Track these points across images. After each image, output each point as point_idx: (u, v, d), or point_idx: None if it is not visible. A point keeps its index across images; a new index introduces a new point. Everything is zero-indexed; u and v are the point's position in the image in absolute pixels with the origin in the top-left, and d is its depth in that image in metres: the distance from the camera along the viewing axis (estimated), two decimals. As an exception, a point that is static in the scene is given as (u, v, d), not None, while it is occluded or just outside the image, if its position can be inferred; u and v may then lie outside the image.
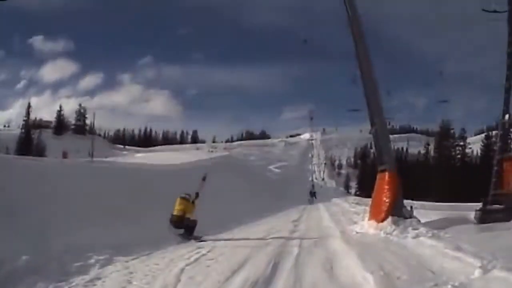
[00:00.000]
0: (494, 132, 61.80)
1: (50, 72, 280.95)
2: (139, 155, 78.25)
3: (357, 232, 11.95)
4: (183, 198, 12.96)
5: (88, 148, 57.82)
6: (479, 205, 17.66)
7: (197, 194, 13.47)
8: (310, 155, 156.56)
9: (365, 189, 73.15)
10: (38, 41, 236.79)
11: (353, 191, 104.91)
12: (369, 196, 38.40)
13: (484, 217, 14.69)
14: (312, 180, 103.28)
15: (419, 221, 11.82)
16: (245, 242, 11.44)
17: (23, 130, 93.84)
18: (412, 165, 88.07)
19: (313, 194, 61.95)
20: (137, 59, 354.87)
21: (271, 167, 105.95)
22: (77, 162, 27.58)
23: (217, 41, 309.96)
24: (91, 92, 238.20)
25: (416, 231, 10.60)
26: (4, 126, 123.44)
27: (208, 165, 43.07)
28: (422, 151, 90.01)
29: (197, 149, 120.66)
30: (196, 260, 8.69)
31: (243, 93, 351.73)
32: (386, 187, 12.52)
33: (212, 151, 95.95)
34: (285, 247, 9.86)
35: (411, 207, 12.61)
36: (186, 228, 12.56)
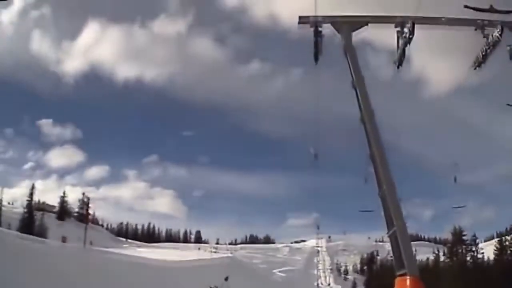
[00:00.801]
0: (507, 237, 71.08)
1: (57, 157, 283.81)
2: (141, 249, 77.53)
3: None
4: None
5: (89, 236, 57.55)
6: None
7: None
8: (315, 260, 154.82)
9: None
10: (46, 125, 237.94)
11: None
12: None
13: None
14: (318, 285, 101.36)
15: None
16: None
17: (26, 210, 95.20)
18: (423, 270, 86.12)
19: None
20: (143, 157, 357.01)
21: (275, 271, 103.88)
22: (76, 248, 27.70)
23: (222, 144, 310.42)
24: (96, 183, 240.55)
25: None
26: (8, 203, 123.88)
27: (211, 264, 42.02)
28: (431, 257, 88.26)
29: (199, 248, 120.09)
30: None
31: (248, 197, 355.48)
32: None
33: (215, 251, 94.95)
34: None
35: None
36: None
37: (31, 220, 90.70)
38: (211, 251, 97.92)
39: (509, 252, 66.37)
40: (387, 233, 11.87)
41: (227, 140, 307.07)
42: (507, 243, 68.25)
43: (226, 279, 13.95)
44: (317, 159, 25.50)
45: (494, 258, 70.41)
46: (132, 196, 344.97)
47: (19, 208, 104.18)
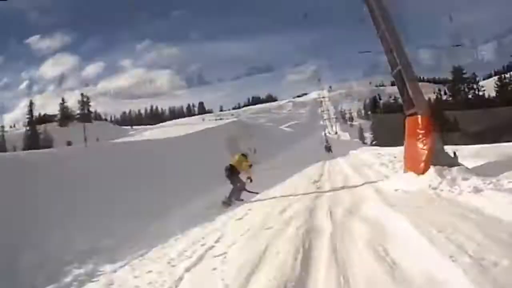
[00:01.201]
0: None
1: (51, 68, 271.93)
2: (147, 132, 77.10)
3: (396, 190, 10.01)
4: (242, 155, 15.31)
5: (95, 134, 57.10)
6: None
7: (250, 165, 15.16)
8: (319, 111, 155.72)
9: (380, 138, 72.44)
10: (34, 41, 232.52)
11: (368, 141, 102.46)
12: (387, 145, 36.61)
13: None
14: (325, 135, 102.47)
15: (467, 169, 9.84)
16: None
17: (28, 128, 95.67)
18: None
19: (328, 148, 60.03)
20: (136, 44, 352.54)
21: (282, 127, 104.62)
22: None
23: (213, 18, 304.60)
24: (94, 81, 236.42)
25: (468, 181, 8.68)
26: (11, 127, 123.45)
27: (216, 131, 41.95)
28: (433, 97, 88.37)
29: (203, 119, 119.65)
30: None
31: (246, 62, 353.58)
32: (421, 132, 10.72)
33: (220, 119, 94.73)
34: (312, 223, 8.02)
35: (455, 152, 10.57)
36: (233, 189, 14.37)
37: (35, 135, 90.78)
38: (216, 119, 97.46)
39: (509, 88, 68.66)
40: (391, 72, 11.91)
41: (216, 13, 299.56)
42: (506, 80, 71.42)
43: (255, 151, 13.89)
44: (306, 17, 25.01)
45: (496, 94, 72.23)
46: (131, 84, 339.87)
47: (22, 129, 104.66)
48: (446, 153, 10.53)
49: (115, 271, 7.88)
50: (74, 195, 13.58)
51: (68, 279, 7.87)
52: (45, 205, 12.22)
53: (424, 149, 10.45)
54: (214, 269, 6.27)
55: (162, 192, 16.58)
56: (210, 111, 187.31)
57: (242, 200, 14.19)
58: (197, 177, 21.59)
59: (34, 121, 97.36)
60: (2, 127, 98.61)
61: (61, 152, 24.23)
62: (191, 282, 6.07)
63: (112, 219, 12.11)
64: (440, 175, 9.43)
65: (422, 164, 10.20)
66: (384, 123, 77.24)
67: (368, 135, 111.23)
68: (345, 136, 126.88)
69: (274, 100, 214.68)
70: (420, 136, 10.68)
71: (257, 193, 14.84)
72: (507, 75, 72.89)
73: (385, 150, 31.18)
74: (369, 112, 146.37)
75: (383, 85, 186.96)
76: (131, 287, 6.70)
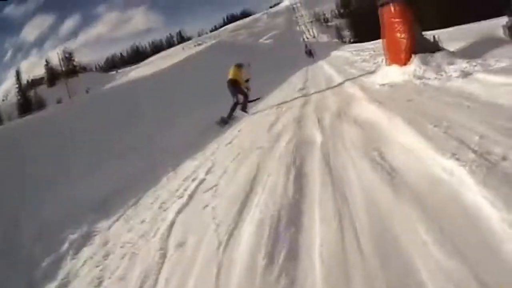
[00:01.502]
0: None
1: (31, 32, 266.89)
2: (132, 73, 76.09)
3: (381, 85, 9.48)
4: (236, 65, 14.31)
5: (84, 85, 56.39)
6: (497, 20, 15.23)
7: (247, 80, 14.50)
8: (294, 18, 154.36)
9: (359, 34, 71.56)
10: (11, 10, 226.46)
11: (347, 40, 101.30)
12: (366, 40, 35.98)
13: (515, 31, 12.04)
14: (304, 40, 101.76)
15: (451, 52, 9.31)
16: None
17: (19, 97, 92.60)
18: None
19: (309, 52, 58.28)
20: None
21: (261, 40, 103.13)
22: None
23: None
24: (73, 35, 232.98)
25: (454, 66, 8.22)
26: (3, 100, 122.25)
27: (196, 56, 41.19)
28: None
29: (183, 48, 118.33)
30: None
31: None
32: (397, 20, 9.99)
33: (200, 44, 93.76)
34: (301, 136, 7.57)
35: (434, 37, 9.95)
36: (235, 104, 13.85)
37: (27, 102, 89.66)
38: (195, 45, 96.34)
39: None
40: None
41: None
42: None
43: (249, 64, 13.35)
44: None
45: None
46: (110, 28, 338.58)
47: (14, 99, 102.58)
48: (426, 38, 9.94)
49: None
50: (68, 151, 13.08)
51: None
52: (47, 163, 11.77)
53: (403, 38, 9.78)
54: (205, 206, 5.81)
55: (155, 125, 16.04)
56: (189, 38, 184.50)
57: (247, 113, 13.71)
58: (184, 107, 21.11)
59: (23, 88, 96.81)
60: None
61: (45, 113, 23.56)
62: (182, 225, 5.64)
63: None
64: (424, 62, 8.94)
65: (403, 54, 9.60)
66: (360, 18, 76.21)
67: (346, 34, 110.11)
68: (323, 38, 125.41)
69: (250, 14, 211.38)
70: (397, 25, 9.99)
71: (258, 98, 15.25)
72: None
73: (364, 45, 30.53)
74: (342, 10, 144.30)
75: None
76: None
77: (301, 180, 5.16)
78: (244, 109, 13.85)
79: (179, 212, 6.14)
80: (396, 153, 4.87)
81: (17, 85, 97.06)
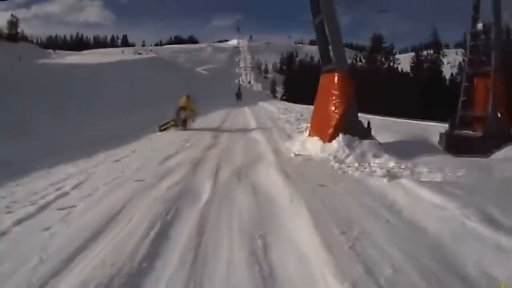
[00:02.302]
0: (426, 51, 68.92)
1: None
2: (69, 57, 73.60)
3: (296, 155, 8.32)
4: (188, 96, 15.95)
5: (18, 53, 53.75)
6: (432, 125, 14.68)
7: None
8: (237, 59, 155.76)
9: (291, 94, 72.17)
10: None
11: (279, 95, 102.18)
12: (296, 102, 35.53)
13: (453, 144, 11.17)
14: (239, 82, 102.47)
15: (379, 143, 8.26)
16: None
17: None
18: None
19: (239, 95, 59.12)
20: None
21: (198, 69, 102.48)
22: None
23: None
24: (27, 4, 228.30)
25: (380, 160, 7.29)
26: None
27: (134, 63, 39.95)
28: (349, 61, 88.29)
29: (122, 52, 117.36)
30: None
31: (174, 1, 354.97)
32: (336, 92, 8.78)
33: (139, 54, 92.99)
34: (190, 183, 6.42)
35: (369, 122, 8.89)
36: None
37: None
38: (134, 53, 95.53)
39: (424, 66, 65.79)
40: (313, 20, 9.90)
41: None
42: (423, 57, 67.53)
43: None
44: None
45: (411, 70, 69.74)
46: (63, 10, 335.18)
47: None
48: (360, 121, 8.81)
49: None
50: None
51: None
52: None
53: (335, 112, 8.60)
54: (47, 228, 4.62)
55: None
56: (133, 45, 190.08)
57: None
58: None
59: None
60: None
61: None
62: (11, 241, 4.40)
63: None
64: (348, 146, 7.91)
65: (331, 130, 8.43)
66: (297, 79, 76.96)
67: (279, 89, 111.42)
68: (258, 87, 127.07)
69: (196, 42, 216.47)
70: (334, 97, 8.77)
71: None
72: (425, 53, 70.87)
73: (293, 107, 29.90)
74: (284, 67, 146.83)
75: (302, 43, 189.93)
76: None
77: (160, 243, 4.06)
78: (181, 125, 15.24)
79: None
80: (283, 253, 3.74)
81: None
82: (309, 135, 9.37)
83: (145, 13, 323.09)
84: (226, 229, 4.32)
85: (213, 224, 4.47)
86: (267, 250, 3.76)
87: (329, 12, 9.05)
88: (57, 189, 6.52)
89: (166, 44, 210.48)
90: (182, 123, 15.27)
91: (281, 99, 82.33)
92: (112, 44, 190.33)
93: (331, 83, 8.92)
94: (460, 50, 74.04)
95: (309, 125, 10.13)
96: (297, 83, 74.80)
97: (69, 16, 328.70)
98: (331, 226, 4.06)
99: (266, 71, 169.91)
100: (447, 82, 66.35)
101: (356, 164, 7.07)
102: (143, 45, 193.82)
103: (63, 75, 22.93)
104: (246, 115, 23.46)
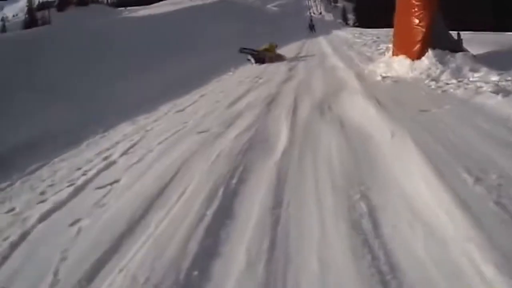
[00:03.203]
0: None
1: None
2: (141, 11, 74.35)
3: (383, 77, 7.17)
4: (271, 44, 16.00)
5: (91, 14, 54.77)
6: None
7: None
8: None
9: (363, 20, 69.77)
10: None
11: (351, 23, 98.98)
12: (368, 27, 33.81)
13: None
14: (310, 13, 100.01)
15: (474, 56, 6.91)
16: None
17: (27, 15, 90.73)
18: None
19: (312, 27, 57.79)
20: None
21: (269, 6, 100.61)
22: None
23: None
24: None
25: (480, 75, 5.97)
26: (14, 16, 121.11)
27: (203, 6, 39.35)
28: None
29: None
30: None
31: None
32: (417, 3, 7.38)
33: None
34: (262, 127, 5.34)
35: (459, 34, 7.55)
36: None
37: (33, 19, 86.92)
38: None
39: None
40: None
41: None
42: None
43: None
44: None
45: None
46: None
47: (23, 17, 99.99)
48: (449, 33, 7.51)
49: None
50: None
51: None
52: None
53: (420, 25, 7.24)
54: (75, 222, 3.55)
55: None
56: None
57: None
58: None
59: (34, 8, 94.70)
60: (3, 17, 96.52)
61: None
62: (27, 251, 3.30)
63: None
64: (441, 61, 6.66)
65: (418, 46, 7.15)
66: (368, 4, 74.25)
67: (351, 17, 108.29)
68: (329, 16, 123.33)
69: None
70: (416, 8, 7.36)
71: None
72: None
73: (368, 31, 28.08)
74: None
75: None
76: None
77: (214, 239, 2.72)
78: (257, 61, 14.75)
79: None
80: (399, 225, 2.47)
81: (27, 4, 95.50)
82: (393, 54, 8.13)
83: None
84: (312, 193, 3.14)
85: (293, 186, 3.33)
86: (374, 219, 2.58)
87: None
88: (104, 159, 5.54)
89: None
90: (261, 60, 14.76)
91: (354, 25, 79.81)
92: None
93: (411, -9, 7.65)
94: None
95: (390, 45, 8.95)
96: (368, 8, 72.16)
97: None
98: (456, 170, 2.89)
99: (336, 0, 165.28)
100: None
101: (455, 81, 5.91)
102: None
103: (131, 27, 22.85)
104: (321, 44, 22.00)
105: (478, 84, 5.42)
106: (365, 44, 15.45)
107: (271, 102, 6.88)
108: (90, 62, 14.91)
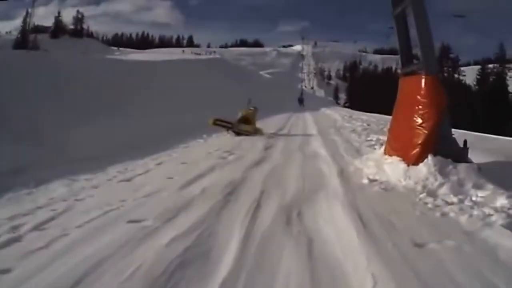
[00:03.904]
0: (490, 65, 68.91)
1: None
2: (132, 55, 75.29)
3: (370, 180, 6.14)
4: (254, 108, 15.51)
5: (82, 48, 55.54)
6: None
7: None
8: (300, 65, 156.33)
9: (355, 101, 71.26)
10: None
11: (341, 102, 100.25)
12: (359, 109, 33.80)
13: None
14: (302, 87, 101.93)
15: (479, 168, 5.80)
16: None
17: (19, 35, 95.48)
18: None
19: (301, 100, 59.01)
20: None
21: (262, 72, 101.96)
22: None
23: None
24: (96, 1, 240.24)
25: (483, 193, 5.03)
26: (6, 32, 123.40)
27: (195, 63, 39.32)
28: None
29: (183, 51, 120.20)
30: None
31: (243, 4, 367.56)
32: (423, 100, 6.42)
33: (197, 54, 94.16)
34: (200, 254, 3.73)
35: (465, 141, 6.55)
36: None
37: (25, 40, 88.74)
38: (196, 54, 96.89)
39: (490, 79, 64.92)
40: (393, 10, 7.66)
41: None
42: (489, 70, 67.18)
43: (249, 101, 12.89)
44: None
45: (477, 83, 68.01)
46: (131, 9, 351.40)
47: (16, 36, 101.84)
48: (454, 140, 6.52)
49: None
50: None
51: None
52: None
53: (423, 126, 6.26)
54: None
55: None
56: (198, 46, 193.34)
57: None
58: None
59: (27, 29, 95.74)
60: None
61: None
62: None
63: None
64: (442, 172, 5.59)
65: (417, 150, 6.14)
66: (363, 85, 75.50)
67: (342, 96, 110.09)
68: (320, 92, 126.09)
69: (261, 46, 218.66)
70: (421, 106, 6.41)
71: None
72: (491, 65, 68.69)
73: (358, 114, 27.65)
74: (347, 74, 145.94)
75: (365, 51, 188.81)
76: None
77: None
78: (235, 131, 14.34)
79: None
80: None
81: (22, 25, 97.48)
82: (386, 153, 7.15)
83: (213, 16, 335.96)
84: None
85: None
86: None
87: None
88: (12, 229, 4.36)
89: (231, 46, 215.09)
90: (236, 132, 14.29)
91: (344, 106, 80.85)
92: (178, 44, 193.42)
93: (417, 89, 6.57)
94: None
95: (382, 137, 7.99)
96: (361, 91, 73.43)
97: (137, 15, 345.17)
98: None
99: (329, 77, 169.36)
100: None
101: (455, 199, 4.88)
102: (208, 46, 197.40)
103: (111, 71, 22.75)
104: (307, 121, 21.52)
105: (486, 210, 4.36)
106: (354, 131, 14.70)
107: (232, 192, 5.55)
108: (52, 100, 14.63)
